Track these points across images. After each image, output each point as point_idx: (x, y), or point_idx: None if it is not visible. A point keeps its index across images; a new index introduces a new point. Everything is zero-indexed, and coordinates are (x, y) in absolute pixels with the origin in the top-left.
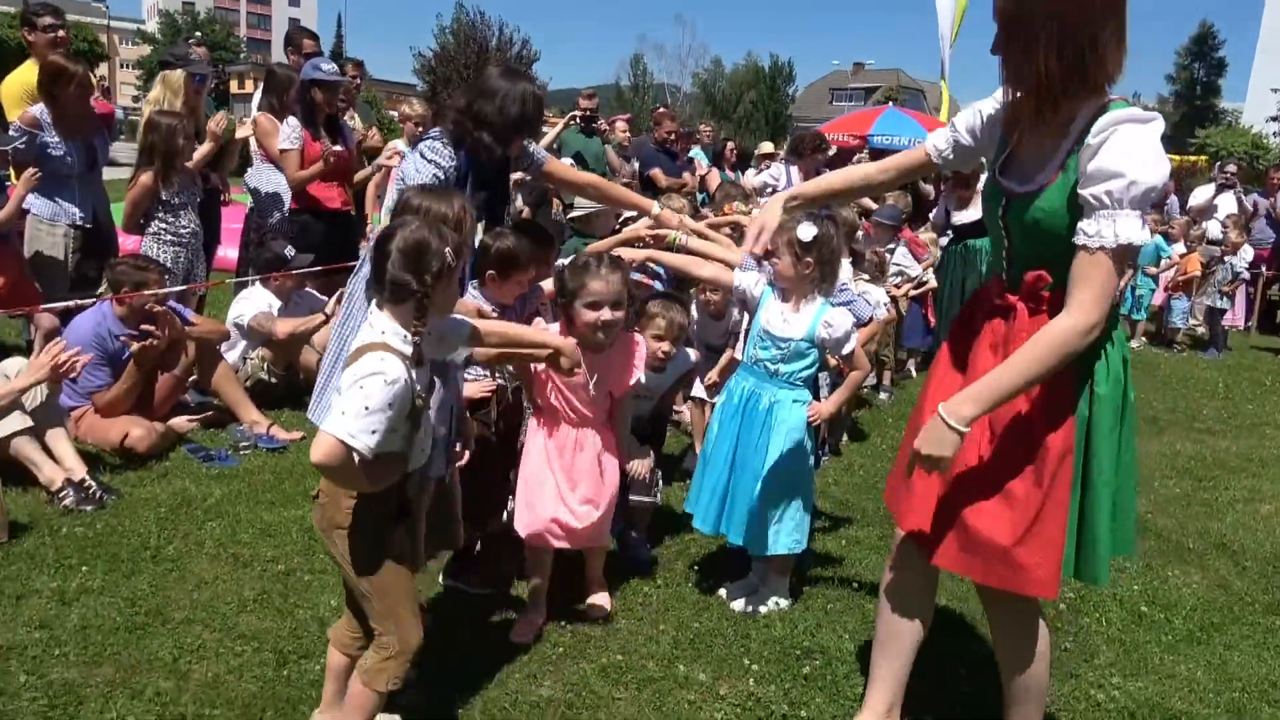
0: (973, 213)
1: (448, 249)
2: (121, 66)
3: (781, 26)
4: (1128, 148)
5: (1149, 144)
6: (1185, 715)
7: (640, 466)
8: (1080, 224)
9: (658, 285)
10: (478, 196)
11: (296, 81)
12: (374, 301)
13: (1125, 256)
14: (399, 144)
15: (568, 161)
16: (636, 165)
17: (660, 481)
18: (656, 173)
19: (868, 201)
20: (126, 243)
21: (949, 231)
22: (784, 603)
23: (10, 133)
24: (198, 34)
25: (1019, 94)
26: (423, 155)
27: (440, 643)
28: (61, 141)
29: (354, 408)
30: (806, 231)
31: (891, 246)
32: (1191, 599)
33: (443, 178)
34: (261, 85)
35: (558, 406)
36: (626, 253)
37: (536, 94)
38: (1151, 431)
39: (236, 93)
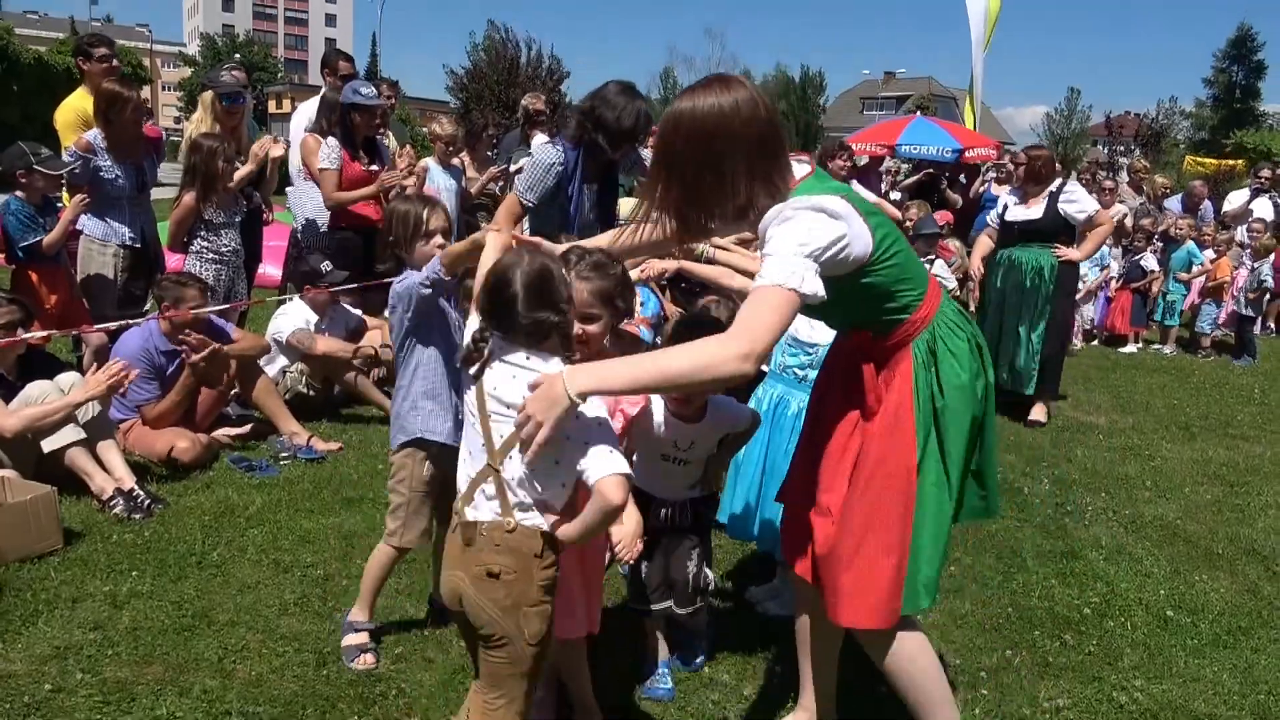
0: (1032, 211)
1: (562, 269)
2: (164, 89)
3: (812, 38)
4: (778, 222)
5: (790, 213)
6: (1209, 717)
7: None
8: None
9: (643, 332)
10: (589, 189)
11: None
12: (517, 352)
13: (770, 292)
14: (429, 162)
15: None
16: None
17: (709, 580)
18: None
19: (893, 211)
20: (171, 261)
21: (1000, 232)
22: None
23: (66, 157)
24: (236, 56)
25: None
26: (534, 155)
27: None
28: (114, 165)
29: (608, 444)
30: None
31: (931, 257)
32: (1219, 603)
33: (559, 171)
34: (298, 106)
35: None
36: (656, 263)
37: (646, 112)
38: (1184, 438)
39: (274, 112)
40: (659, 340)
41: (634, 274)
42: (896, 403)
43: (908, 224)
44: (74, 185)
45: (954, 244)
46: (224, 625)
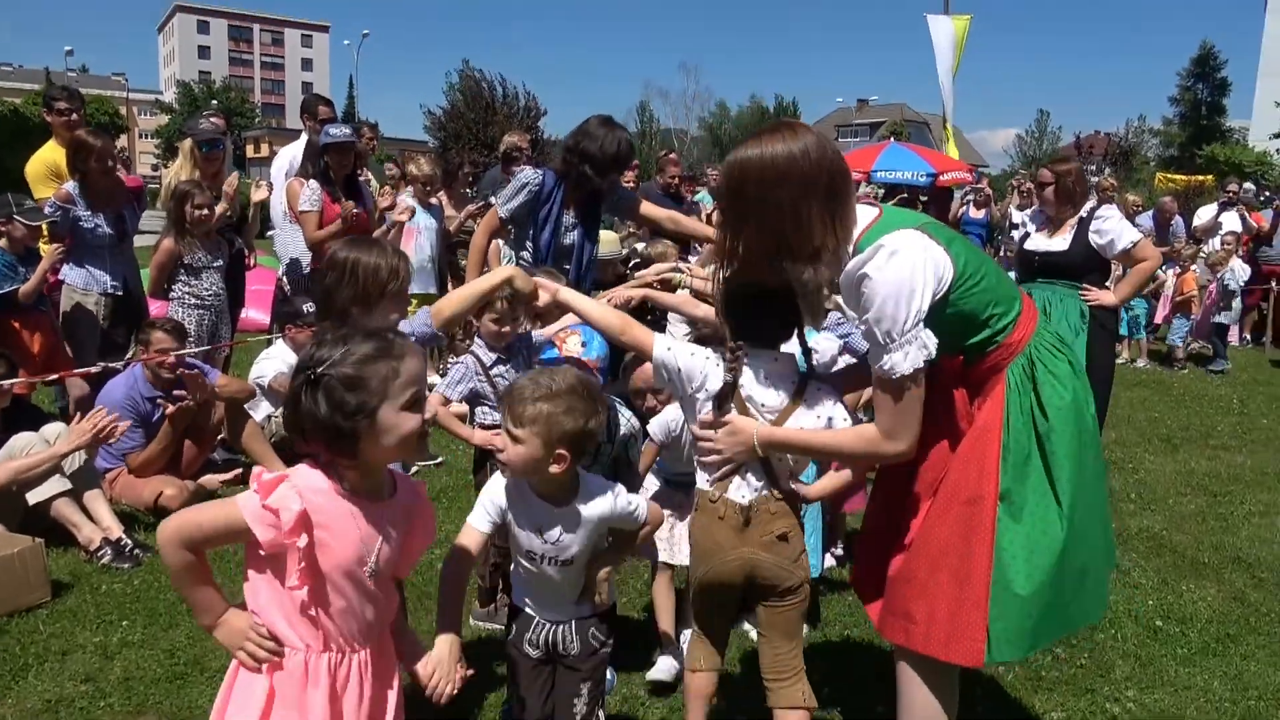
0: (1056, 242)
1: None
2: (141, 137)
3: (784, 69)
4: (870, 293)
5: (880, 281)
6: None
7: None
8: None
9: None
10: (568, 215)
11: None
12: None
13: (905, 384)
14: (409, 200)
15: None
16: None
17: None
18: None
19: None
20: (154, 308)
21: (1017, 264)
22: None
23: (46, 209)
24: (214, 103)
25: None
26: (512, 181)
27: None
28: (93, 215)
29: None
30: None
31: None
32: (1207, 612)
33: (533, 190)
34: (276, 150)
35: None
36: (621, 292)
37: (628, 140)
38: (1165, 450)
39: (252, 156)
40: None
41: (599, 303)
42: (983, 427)
43: None
44: (55, 235)
45: None
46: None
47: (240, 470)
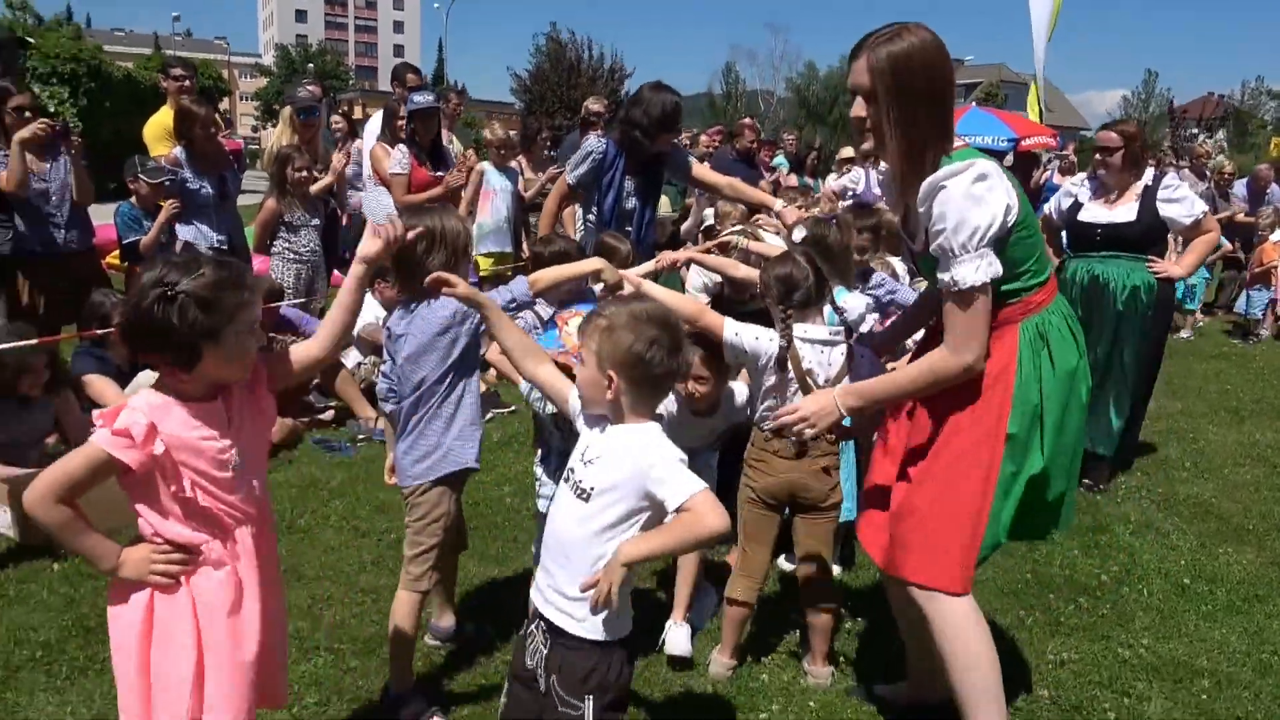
0: (1120, 212)
1: None
2: (242, 99)
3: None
4: (944, 203)
5: (960, 194)
6: (1209, 673)
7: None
8: (936, 273)
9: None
10: (631, 181)
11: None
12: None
13: (973, 296)
14: (484, 165)
15: None
16: None
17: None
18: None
19: None
20: (257, 263)
21: (1068, 237)
22: (835, 569)
23: (154, 168)
24: (310, 66)
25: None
26: (579, 150)
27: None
28: (197, 176)
29: None
30: (798, 233)
31: None
32: (1240, 573)
33: (596, 159)
34: (369, 112)
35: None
36: (668, 256)
37: (676, 101)
38: (1232, 422)
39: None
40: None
41: (648, 266)
42: (995, 374)
43: None
44: (167, 195)
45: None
46: (312, 579)
47: (333, 411)
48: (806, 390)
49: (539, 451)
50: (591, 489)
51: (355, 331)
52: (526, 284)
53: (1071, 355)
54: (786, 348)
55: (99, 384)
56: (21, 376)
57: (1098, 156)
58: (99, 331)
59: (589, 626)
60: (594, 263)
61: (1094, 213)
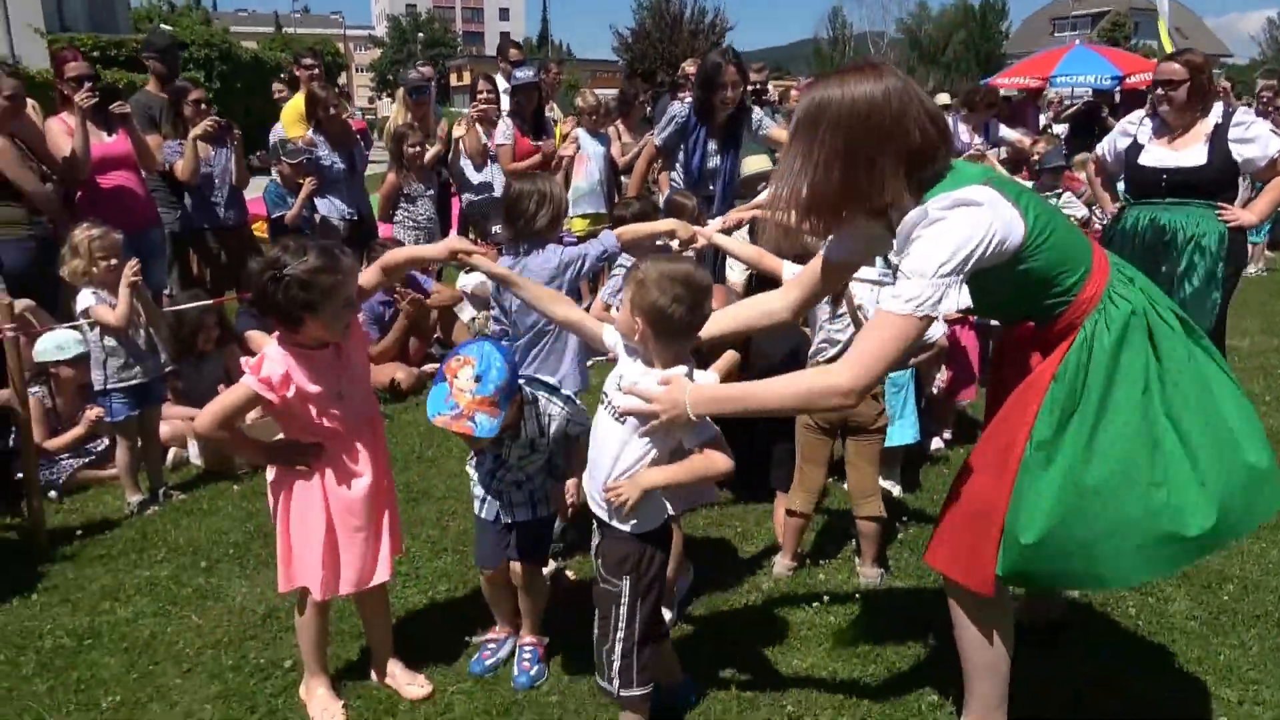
0: (1187, 155)
1: None
2: (357, 71)
3: None
4: (921, 234)
5: (935, 227)
6: (1238, 579)
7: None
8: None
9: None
10: (713, 142)
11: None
12: None
13: (895, 320)
14: (579, 131)
15: None
16: None
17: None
18: None
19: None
20: (381, 230)
21: (1127, 182)
22: (896, 489)
23: (292, 150)
24: (420, 35)
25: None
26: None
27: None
28: (330, 153)
29: None
30: None
31: (1058, 190)
32: None
33: (679, 123)
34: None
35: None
36: (734, 215)
37: (716, 62)
38: None
39: (455, 85)
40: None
41: (740, 241)
42: (1035, 378)
43: (1035, 157)
44: (305, 172)
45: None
46: (439, 498)
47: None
48: (858, 325)
49: (472, 456)
50: (618, 411)
51: (469, 289)
52: (614, 237)
53: (1116, 331)
54: (843, 286)
55: (258, 338)
56: (197, 334)
57: (1159, 91)
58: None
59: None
60: (669, 223)
61: (1157, 155)
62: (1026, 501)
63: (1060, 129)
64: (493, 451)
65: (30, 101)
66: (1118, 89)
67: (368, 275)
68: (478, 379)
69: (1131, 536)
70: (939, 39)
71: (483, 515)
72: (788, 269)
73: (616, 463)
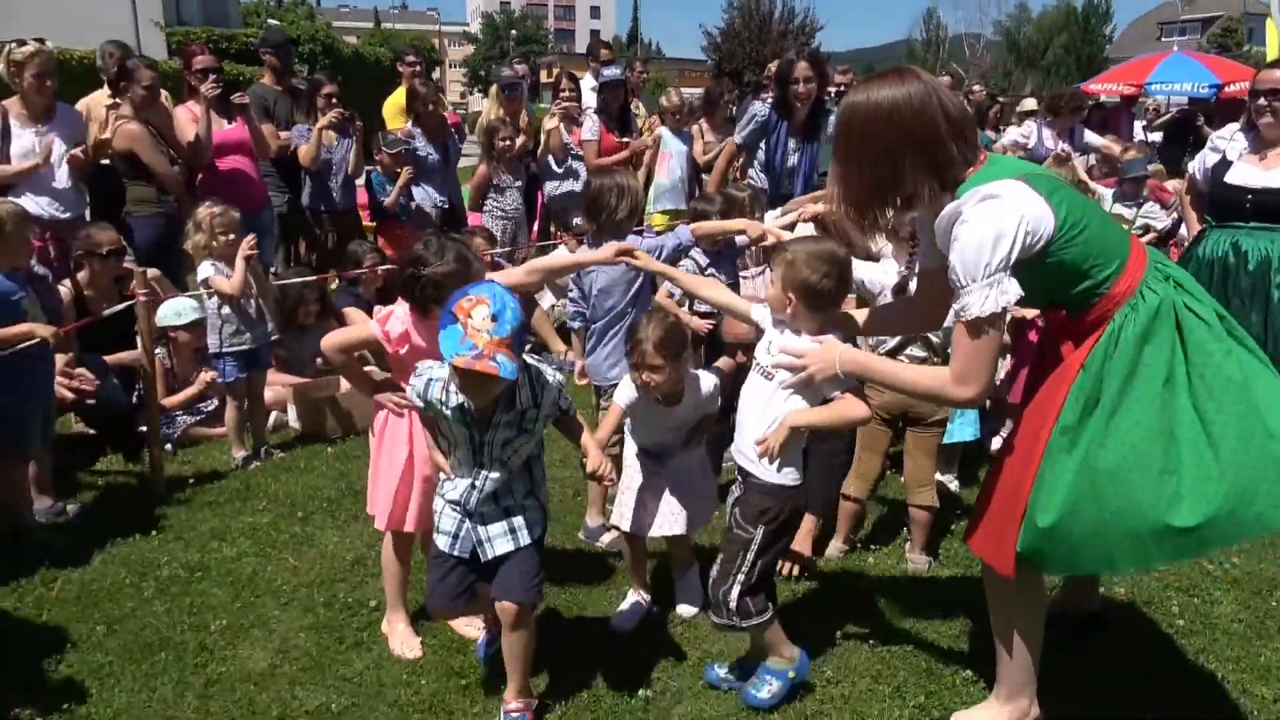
0: (1277, 175)
1: None
2: (451, 66)
3: None
4: (954, 235)
5: (965, 223)
6: None
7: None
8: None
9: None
10: (794, 141)
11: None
12: None
13: (981, 327)
14: (662, 130)
15: None
16: None
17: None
18: None
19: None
20: (472, 218)
21: (1211, 201)
22: (954, 484)
23: (392, 140)
24: (514, 32)
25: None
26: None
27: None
28: (426, 145)
29: None
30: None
31: (1141, 199)
32: None
33: (759, 121)
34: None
35: None
36: (810, 208)
37: (789, 59)
38: None
39: (546, 82)
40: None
41: (789, 218)
42: (1065, 368)
43: (1121, 163)
44: (404, 163)
45: (1176, 183)
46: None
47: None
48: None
49: (443, 484)
50: (774, 372)
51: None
52: (689, 231)
53: (1141, 324)
54: (909, 276)
55: (354, 314)
56: (299, 308)
57: (1261, 102)
58: (354, 272)
59: (767, 472)
60: (740, 223)
61: (1245, 174)
62: (1047, 485)
63: (1155, 137)
64: (477, 430)
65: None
66: (1215, 98)
67: (514, 276)
68: (494, 318)
69: (1141, 521)
70: (1039, 42)
71: (454, 551)
72: (756, 311)
73: (765, 414)
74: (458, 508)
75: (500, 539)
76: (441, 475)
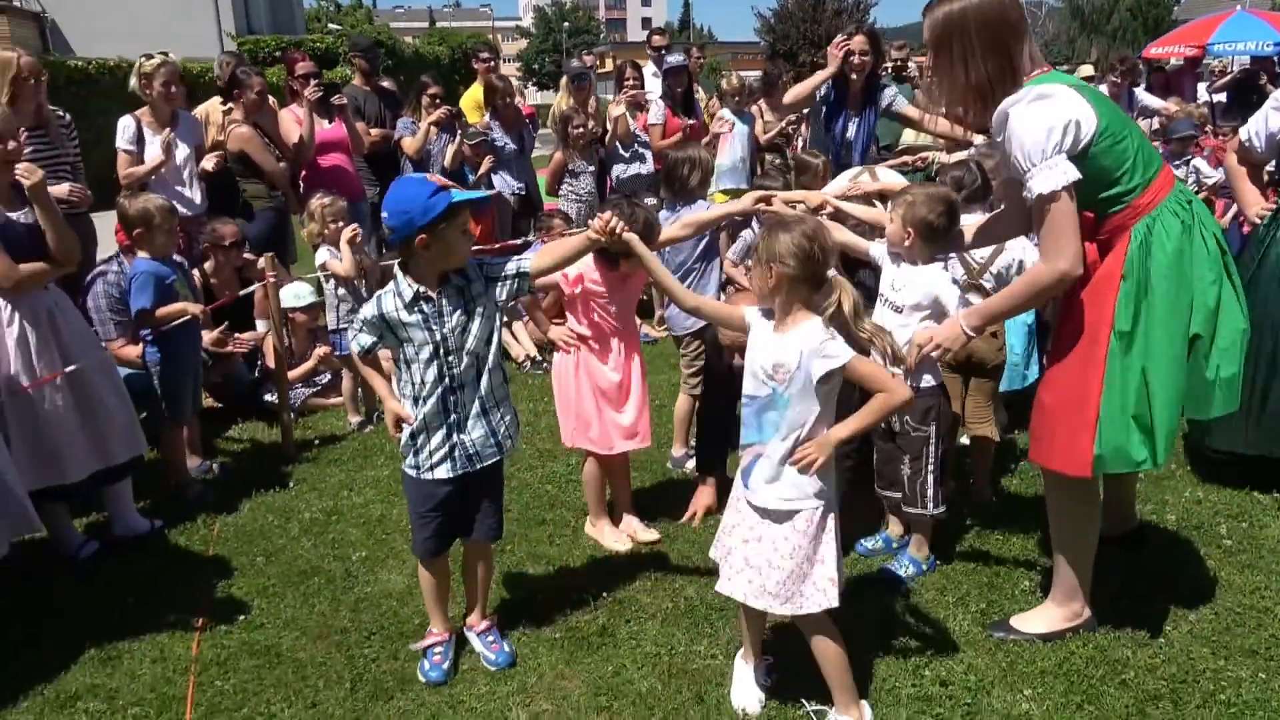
0: None
1: None
2: (504, 61)
3: None
4: (1010, 126)
5: (1020, 115)
6: None
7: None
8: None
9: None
10: (852, 115)
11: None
12: None
13: (1051, 203)
14: (724, 111)
15: None
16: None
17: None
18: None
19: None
20: (548, 204)
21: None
22: (1014, 433)
23: (473, 133)
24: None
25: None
26: None
27: None
28: (503, 135)
29: None
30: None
31: (1187, 158)
32: None
33: (819, 96)
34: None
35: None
36: (862, 184)
37: (846, 32)
38: None
39: (601, 71)
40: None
41: (840, 188)
42: (1103, 276)
43: (1167, 123)
44: (484, 153)
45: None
46: None
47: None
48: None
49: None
50: (902, 305)
51: None
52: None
53: (1175, 240)
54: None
55: None
56: None
57: None
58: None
59: (925, 380)
60: (799, 194)
61: None
62: (1116, 385)
63: (1219, 98)
64: (436, 324)
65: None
66: (1278, 55)
67: (671, 231)
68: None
69: (1200, 383)
70: (1104, 6)
71: (438, 475)
72: (874, 248)
73: (900, 337)
74: (441, 427)
75: (487, 450)
76: (421, 416)
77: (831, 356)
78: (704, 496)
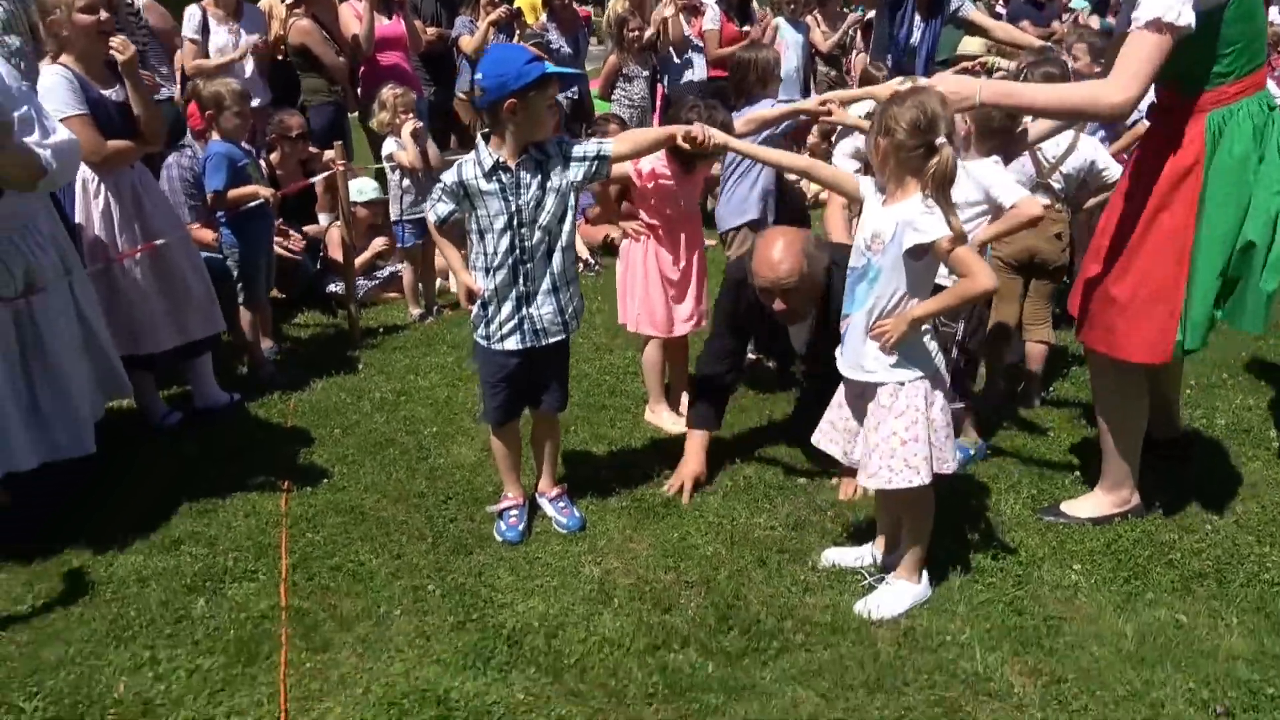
0: None
1: None
2: None
3: None
4: None
5: None
6: None
7: None
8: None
9: None
10: (919, 20)
11: None
12: None
13: (1151, 33)
14: (779, 20)
15: None
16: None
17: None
18: (1024, 24)
19: None
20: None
21: None
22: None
23: (530, 34)
24: None
25: None
26: None
27: None
28: (559, 37)
29: None
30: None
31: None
32: None
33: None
34: None
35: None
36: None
37: None
38: None
39: None
40: None
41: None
42: (1185, 167)
43: None
44: (539, 55)
45: None
46: None
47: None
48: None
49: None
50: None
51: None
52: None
53: (1244, 144)
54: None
55: None
56: None
57: None
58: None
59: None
60: (864, 90)
61: None
62: (1203, 279)
63: None
64: (512, 195)
65: None
66: None
67: (740, 126)
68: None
69: (1238, 289)
70: None
71: (508, 346)
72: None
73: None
74: (511, 298)
75: (554, 327)
76: (493, 286)
77: (921, 231)
78: (692, 462)
